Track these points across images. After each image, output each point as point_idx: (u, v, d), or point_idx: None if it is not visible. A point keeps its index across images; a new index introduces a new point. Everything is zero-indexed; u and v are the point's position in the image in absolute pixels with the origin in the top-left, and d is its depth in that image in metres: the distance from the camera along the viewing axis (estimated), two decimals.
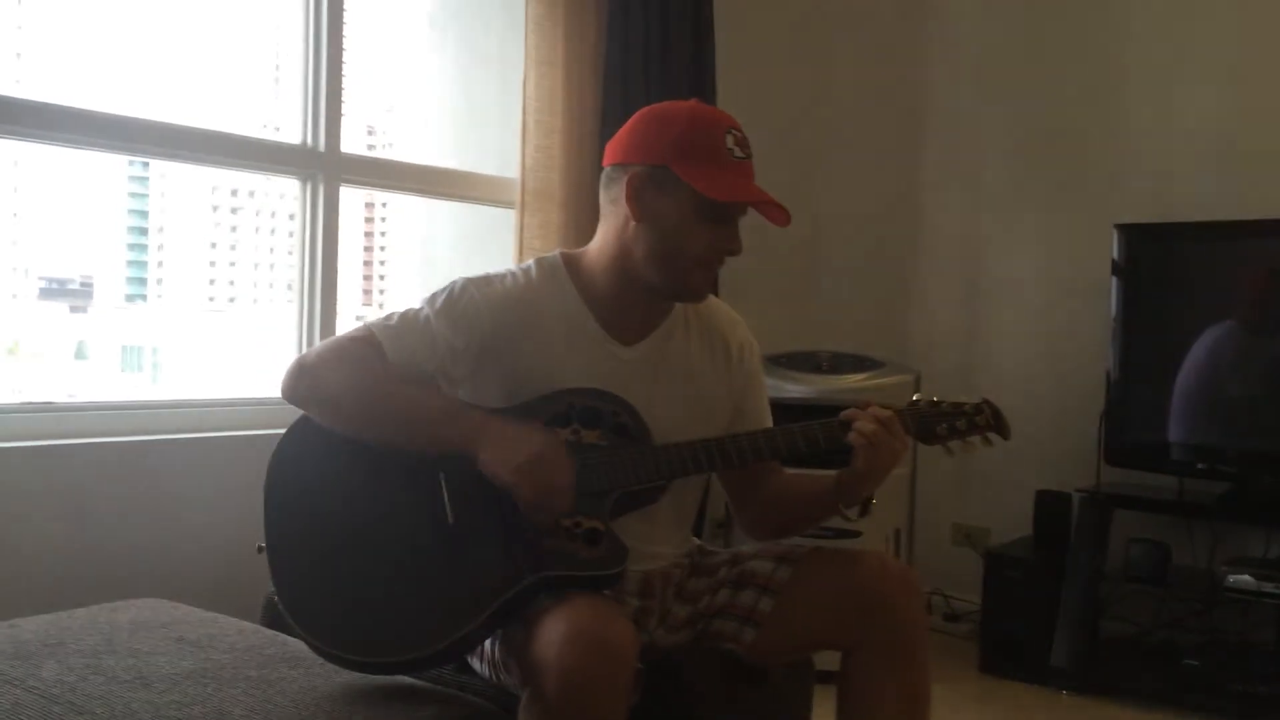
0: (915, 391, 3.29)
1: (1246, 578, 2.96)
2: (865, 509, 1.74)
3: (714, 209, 1.65)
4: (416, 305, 1.72)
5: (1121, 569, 3.20)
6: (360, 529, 1.58)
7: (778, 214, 1.67)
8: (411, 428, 1.61)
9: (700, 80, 3.25)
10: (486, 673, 1.69)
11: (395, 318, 1.70)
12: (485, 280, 1.75)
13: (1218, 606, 3.19)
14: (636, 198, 1.67)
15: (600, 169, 1.76)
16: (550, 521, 1.56)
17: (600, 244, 1.75)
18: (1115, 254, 3.28)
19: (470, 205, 3.24)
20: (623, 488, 1.63)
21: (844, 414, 1.68)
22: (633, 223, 1.69)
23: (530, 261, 1.79)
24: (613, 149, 1.73)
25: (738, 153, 1.66)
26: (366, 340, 1.66)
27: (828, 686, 1.78)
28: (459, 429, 1.59)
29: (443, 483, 1.59)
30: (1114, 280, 3.28)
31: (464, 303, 1.70)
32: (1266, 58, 3.34)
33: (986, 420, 1.73)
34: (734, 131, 1.67)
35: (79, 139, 2.43)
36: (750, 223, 1.72)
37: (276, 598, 1.56)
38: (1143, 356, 3.25)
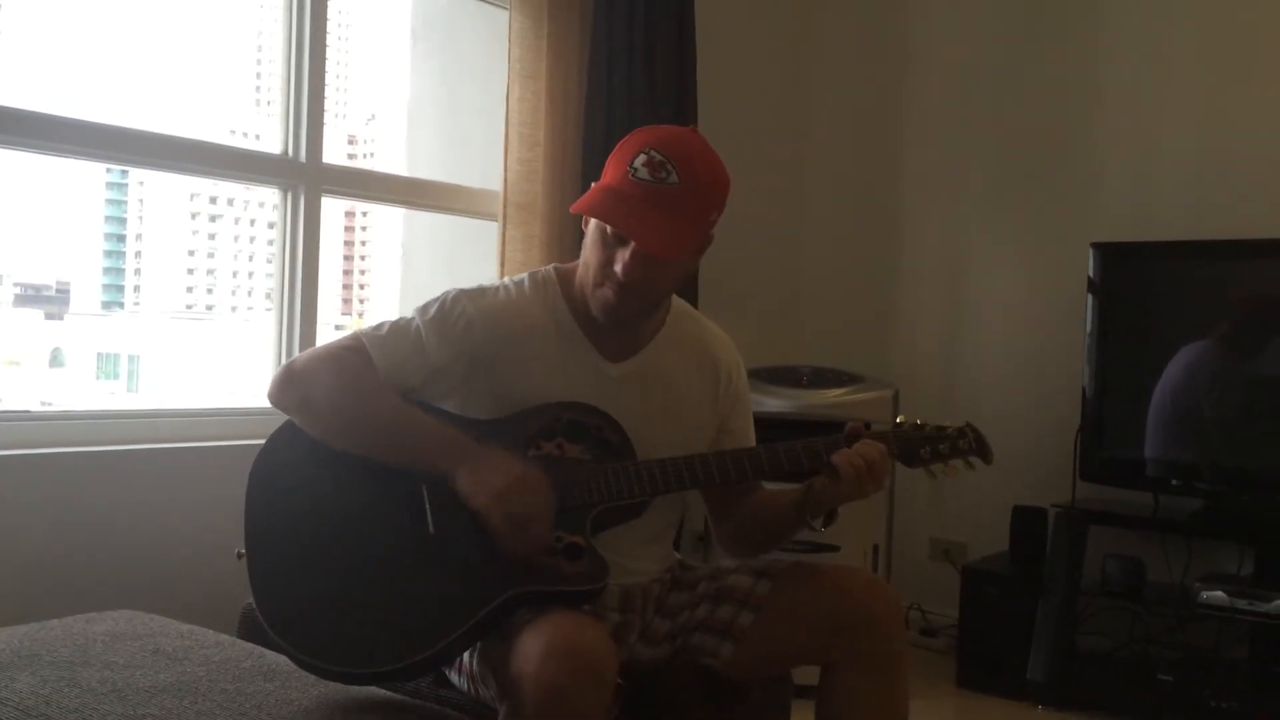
0: (894, 406, 3.32)
1: (1220, 594, 2.98)
2: (831, 518, 1.75)
3: (601, 228, 1.65)
4: (408, 315, 1.73)
5: (1097, 584, 3.23)
6: (341, 538, 1.58)
7: (644, 243, 1.59)
8: (394, 443, 1.60)
9: (683, 95, 3.26)
10: (464, 686, 1.69)
11: (386, 327, 1.70)
12: (479, 292, 1.75)
13: (1191, 622, 3.22)
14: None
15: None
16: (520, 553, 1.54)
17: None
18: (1091, 272, 3.31)
19: (452, 217, 3.24)
20: (605, 503, 1.64)
21: (834, 456, 1.67)
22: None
23: (524, 275, 1.80)
24: None
25: (642, 173, 1.60)
26: (355, 349, 1.66)
27: (806, 701, 1.78)
28: (440, 450, 1.58)
29: (425, 494, 1.58)
30: (1089, 298, 3.31)
31: (456, 314, 1.70)
32: (1242, 79, 3.38)
33: (969, 444, 1.76)
34: (654, 153, 1.60)
35: (57, 146, 2.41)
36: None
37: (254, 605, 1.54)
38: (1118, 374, 3.28)
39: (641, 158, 1.61)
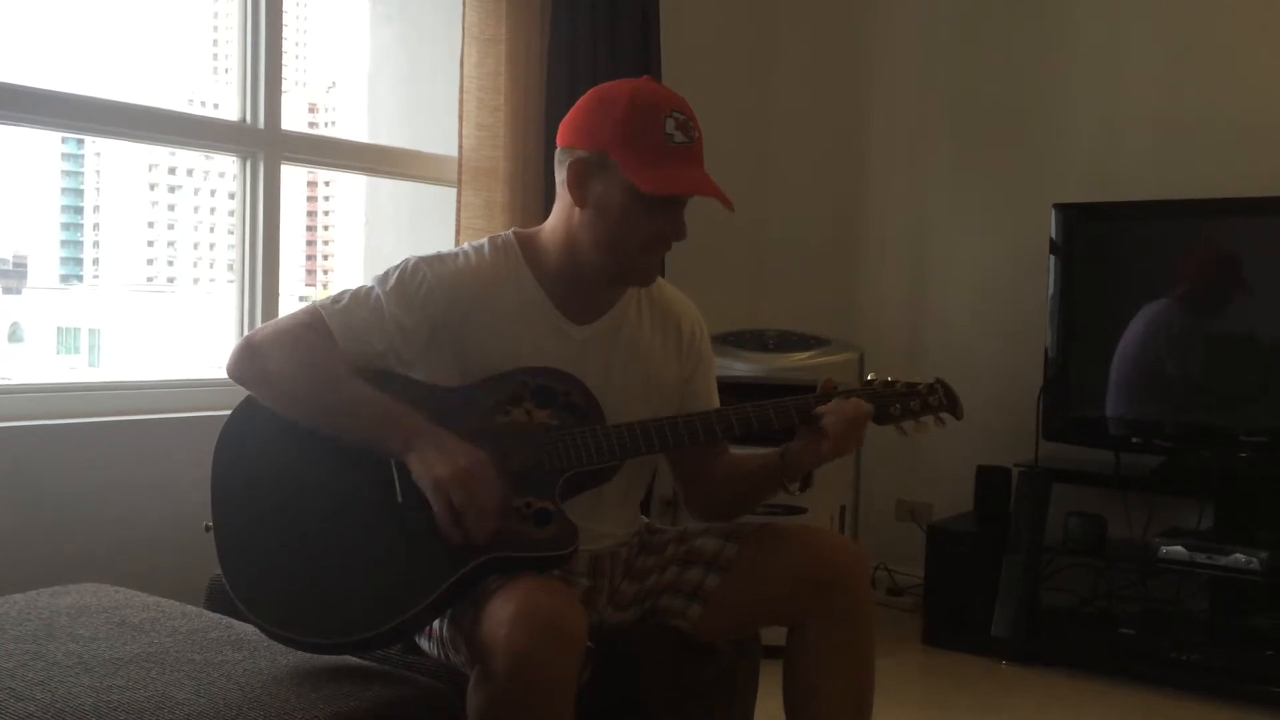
0: (860, 368, 3.33)
1: (1179, 549, 3.04)
2: (807, 482, 1.75)
3: (644, 199, 1.63)
4: (368, 284, 1.71)
5: (1060, 542, 3.27)
6: (308, 508, 1.57)
7: (727, 202, 1.66)
8: (349, 422, 1.59)
9: (646, 58, 3.24)
10: (435, 652, 1.69)
11: (345, 297, 1.68)
12: (438, 259, 1.74)
13: (1152, 577, 3.28)
14: (580, 184, 1.66)
15: (547, 146, 1.76)
16: (457, 543, 1.51)
17: (552, 224, 1.75)
18: (1053, 233, 3.33)
19: (415, 183, 3.21)
20: (575, 468, 1.63)
21: (822, 412, 1.68)
22: (578, 209, 1.68)
23: (484, 240, 1.78)
24: (562, 129, 1.72)
25: (678, 137, 1.63)
26: (315, 323, 1.64)
27: (775, 661, 1.80)
28: (393, 432, 1.56)
29: (393, 462, 1.58)
30: (1052, 259, 3.34)
31: (416, 282, 1.69)
32: (1204, 39, 3.40)
33: (939, 400, 1.76)
34: (676, 114, 1.64)
35: (10, 115, 2.36)
36: (697, 203, 1.72)
37: (222, 578, 1.54)
38: (1080, 334, 3.31)
39: (670, 122, 1.63)
